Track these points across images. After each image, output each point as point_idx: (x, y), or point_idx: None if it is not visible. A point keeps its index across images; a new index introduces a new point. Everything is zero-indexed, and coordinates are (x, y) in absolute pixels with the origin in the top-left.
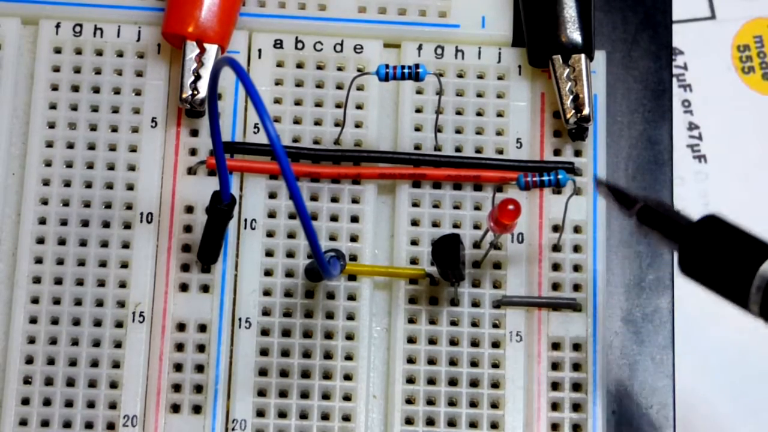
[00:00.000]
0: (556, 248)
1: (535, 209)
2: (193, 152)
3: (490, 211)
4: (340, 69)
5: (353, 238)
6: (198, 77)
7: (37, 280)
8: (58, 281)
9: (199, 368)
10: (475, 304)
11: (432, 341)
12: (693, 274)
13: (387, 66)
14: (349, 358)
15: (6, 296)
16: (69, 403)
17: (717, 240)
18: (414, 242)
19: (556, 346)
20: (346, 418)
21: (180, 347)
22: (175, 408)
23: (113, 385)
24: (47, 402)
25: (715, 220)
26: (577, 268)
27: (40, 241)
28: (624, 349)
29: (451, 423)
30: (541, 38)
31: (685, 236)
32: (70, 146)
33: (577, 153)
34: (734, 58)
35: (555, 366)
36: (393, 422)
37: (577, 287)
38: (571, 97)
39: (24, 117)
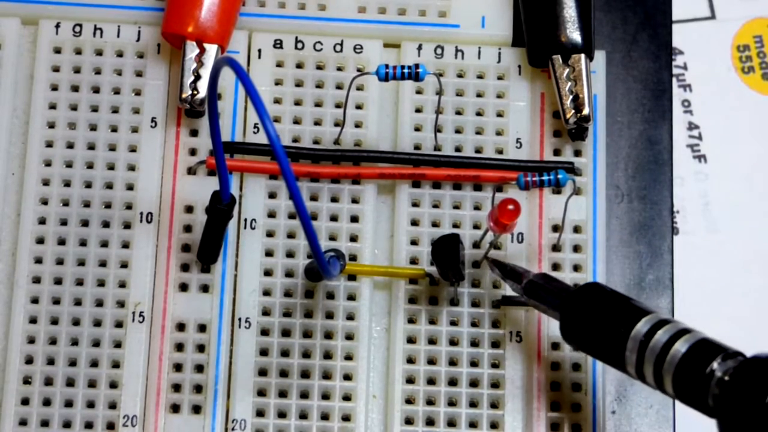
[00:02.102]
0: (556, 248)
1: (534, 209)
2: (193, 152)
3: (489, 211)
4: (340, 69)
5: (353, 238)
6: (198, 77)
7: (37, 280)
8: (58, 281)
9: (199, 368)
10: (475, 304)
11: (432, 341)
12: (574, 341)
13: (387, 66)
14: (348, 358)
15: (6, 296)
16: (69, 403)
17: (594, 307)
18: (414, 242)
19: (555, 346)
20: (346, 418)
21: (180, 347)
22: (175, 408)
23: (113, 385)
24: (47, 402)
25: (594, 288)
26: (577, 268)
27: (40, 241)
28: None
29: (451, 423)
30: (541, 38)
31: (565, 305)
32: (70, 146)
33: (577, 153)
34: (734, 58)
35: (554, 366)
36: (393, 422)
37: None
38: (571, 97)
39: (24, 117)
